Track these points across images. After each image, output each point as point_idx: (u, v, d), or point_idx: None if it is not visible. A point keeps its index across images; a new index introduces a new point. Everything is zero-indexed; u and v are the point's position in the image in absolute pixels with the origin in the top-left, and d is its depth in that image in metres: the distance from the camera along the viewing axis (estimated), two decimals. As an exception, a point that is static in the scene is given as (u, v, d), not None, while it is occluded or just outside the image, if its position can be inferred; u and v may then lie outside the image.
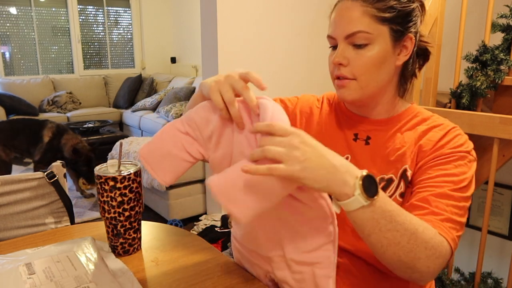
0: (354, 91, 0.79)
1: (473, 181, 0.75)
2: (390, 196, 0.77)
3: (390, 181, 0.79)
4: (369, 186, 0.58)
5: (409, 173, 0.77)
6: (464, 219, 0.71)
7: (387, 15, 0.76)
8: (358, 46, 0.77)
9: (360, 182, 0.58)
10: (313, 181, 0.56)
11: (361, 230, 0.62)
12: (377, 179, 0.76)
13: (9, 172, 3.10)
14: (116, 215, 0.82)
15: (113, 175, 0.80)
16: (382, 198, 0.61)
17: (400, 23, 0.77)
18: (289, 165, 0.55)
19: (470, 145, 0.77)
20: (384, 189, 0.78)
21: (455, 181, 0.72)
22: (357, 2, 0.76)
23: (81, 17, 5.36)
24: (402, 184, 0.77)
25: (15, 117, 3.37)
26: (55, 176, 1.04)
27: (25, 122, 3.11)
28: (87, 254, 0.78)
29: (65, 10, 5.25)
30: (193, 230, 2.61)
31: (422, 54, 0.86)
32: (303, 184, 0.57)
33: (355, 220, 0.61)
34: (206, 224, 2.66)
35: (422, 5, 0.82)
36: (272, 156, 0.55)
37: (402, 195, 0.77)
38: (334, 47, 0.81)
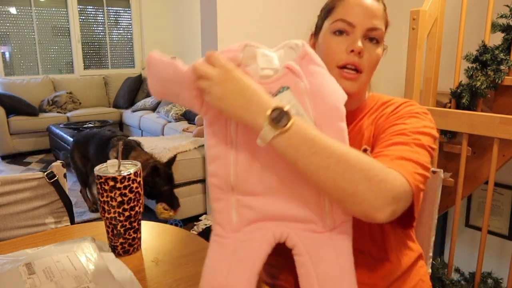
0: (359, 84, 0.80)
1: (432, 129, 0.75)
2: None
3: None
4: (279, 116, 0.59)
5: (368, 151, 0.79)
6: (425, 160, 0.68)
7: (387, 22, 0.83)
8: (371, 40, 0.79)
9: (268, 113, 0.59)
10: (230, 113, 0.62)
11: (285, 159, 0.62)
12: None
13: (86, 182, 2.94)
14: (116, 215, 0.82)
15: (113, 175, 0.80)
16: (299, 126, 0.60)
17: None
18: (210, 96, 0.61)
19: (423, 109, 0.80)
20: None
21: (405, 132, 0.72)
22: (378, 1, 0.81)
23: (81, 17, 5.36)
24: None
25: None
26: (55, 176, 1.04)
27: (97, 135, 2.78)
28: (87, 254, 0.78)
29: (65, 10, 5.25)
30: (193, 230, 2.61)
31: None
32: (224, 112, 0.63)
33: (276, 150, 0.61)
34: (206, 224, 2.66)
35: None
36: (201, 74, 0.61)
37: None
38: (340, 33, 0.79)
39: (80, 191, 3.04)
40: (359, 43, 0.77)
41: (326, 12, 0.83)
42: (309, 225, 0.65)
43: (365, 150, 0.76)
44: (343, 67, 0.79)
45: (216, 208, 0.67)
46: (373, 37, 0.78)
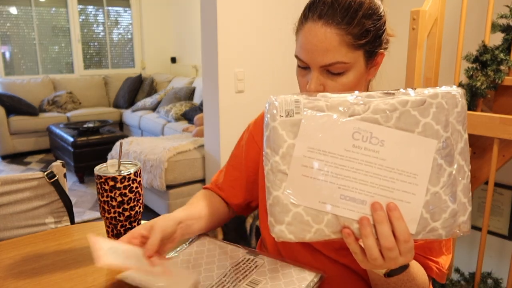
0: None
1: None
2: None
3: None
4: (395, 271, 0.63)
5: None
6: (450, 243, 0.78)
7: (362, 41, 0.72)
8: (334, 74, 0.73)
9: (386, 271, 0.62)
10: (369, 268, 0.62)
11: (370, 280, 0.71)
12: None
13: None
14: (116, 215, 0.82)
15: (113, 175, 0.80)
16: (405, 274, 0.64)
17: (373, 43, 0.74)
18: (376, 263, 0.56)
19: None
20: None
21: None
22: (331, 29, 0.70)
23: (81, 17, 5.36)
24: None
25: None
26: (55, 176, 1.04)
27: None
28: None
29: (65, 10, 5.25)
30: (193, 230, 2.60)
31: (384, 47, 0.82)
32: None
33: (369, 274, 0.69)
34: (206, 224, 2.65)
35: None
36: (375, 254, 0.56)
37: None
38: (304, 68, 0.77)
39: None
40: (313, 84, 0.74)
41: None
42: None
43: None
44: None
45: None
46: (333, 71, 0.73)
